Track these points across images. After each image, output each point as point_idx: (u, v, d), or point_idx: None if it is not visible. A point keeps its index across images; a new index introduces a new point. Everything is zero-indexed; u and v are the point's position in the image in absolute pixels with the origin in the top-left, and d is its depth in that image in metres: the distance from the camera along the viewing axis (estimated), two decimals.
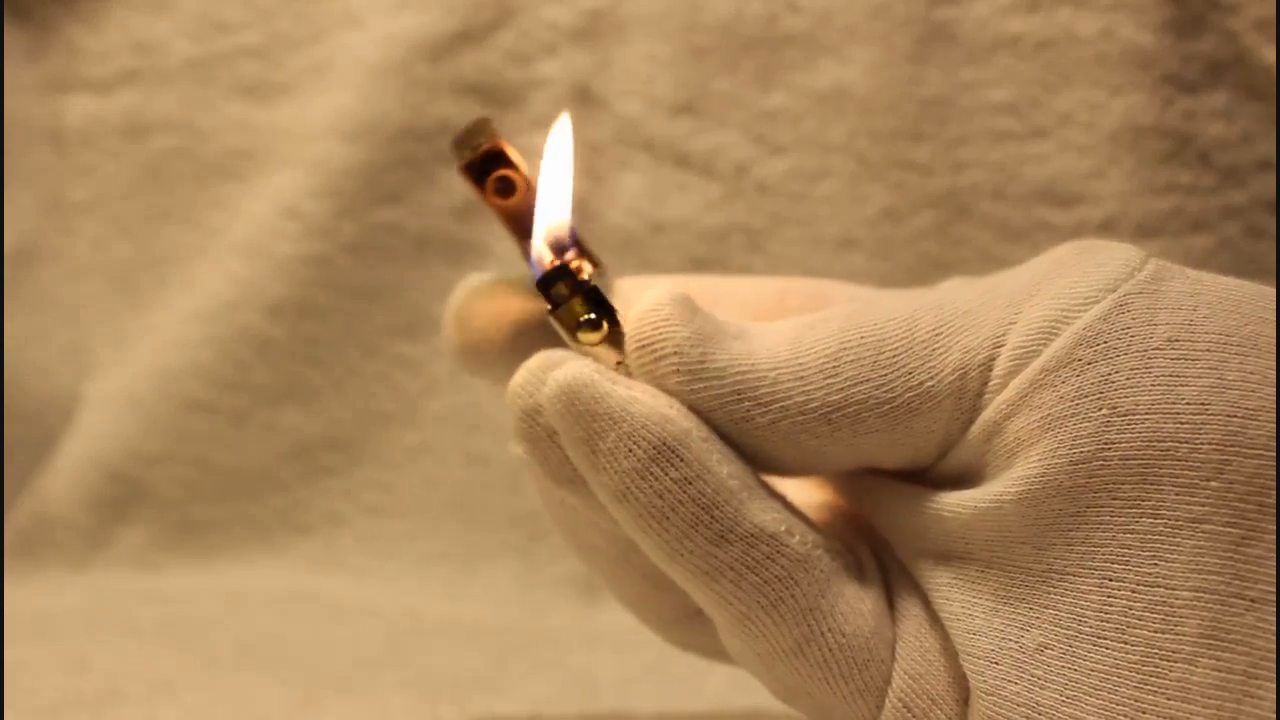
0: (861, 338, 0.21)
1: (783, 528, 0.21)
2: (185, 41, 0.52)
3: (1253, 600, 0.18)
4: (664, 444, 0.20)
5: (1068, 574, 0.19)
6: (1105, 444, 0.19)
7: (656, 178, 0.47)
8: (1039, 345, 0.20)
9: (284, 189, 0.49)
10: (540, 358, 0.22)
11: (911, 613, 0.22)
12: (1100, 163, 0.44)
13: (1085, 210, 0.44)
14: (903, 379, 0.21)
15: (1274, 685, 0.18)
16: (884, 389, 0.21)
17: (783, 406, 0.21)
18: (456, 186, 0.49)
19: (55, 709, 0.34)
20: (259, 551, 0.49)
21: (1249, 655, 0.18)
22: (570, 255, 0.24)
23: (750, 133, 0.46)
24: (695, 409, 0.21)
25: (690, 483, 0.20)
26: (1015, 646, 0.20)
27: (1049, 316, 0.20)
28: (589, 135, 0.48)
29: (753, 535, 0.20)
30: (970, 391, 0.20)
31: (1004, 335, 0.20)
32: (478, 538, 0.48)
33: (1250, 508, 0.18)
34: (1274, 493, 0.18)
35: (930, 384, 0.20)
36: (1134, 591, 0.19)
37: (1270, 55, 0.43)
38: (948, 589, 0.21)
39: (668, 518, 0.20)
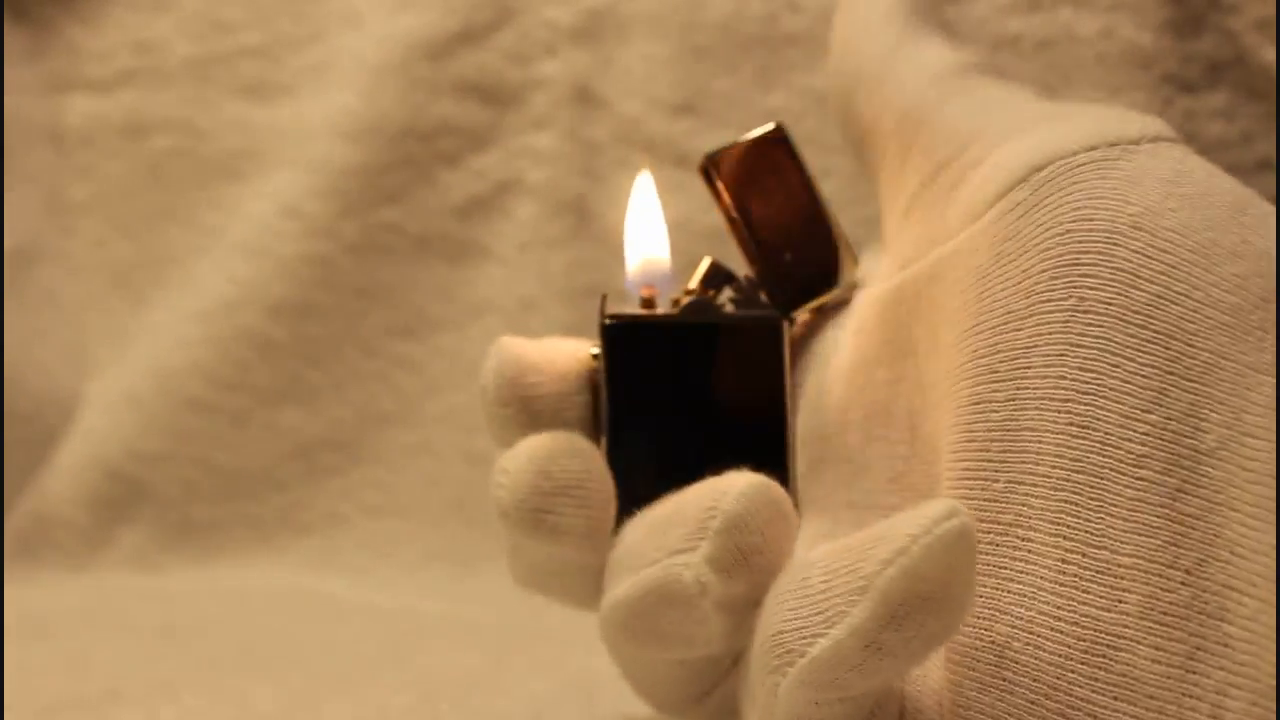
0: None
1: None
2: (185, 41, 0.52)
3: (1187, 571, 0.17)
4: None
5: (1030, 527, 0.19)
6: (1071, 343, 0.19)
7: (657, 178, 0.47)
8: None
9: (284, 189, 0.49)
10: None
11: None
12: None
13: None
14: None
15: (1214, 678, 0.16)
16: None
17: None
18: (456, 186, 0.49)
19: (55, 709, 0.34)
20: (259, 551, 0.49)
21: (1186, 642, 0.17)
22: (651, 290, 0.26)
23: None
24: None
25: None
26: (989, 642, 0.19)
27: (1031, 148, 0.21)
28: (589, 135, 0.48)
29: None
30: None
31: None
32: (478, 538, 0.48)
33: (1184, 452, 0.17)
34: (1204, 436, 0.17)
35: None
36: (1084, 555, 0.18)
37: (1270, 55, 0.43)
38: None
39: None
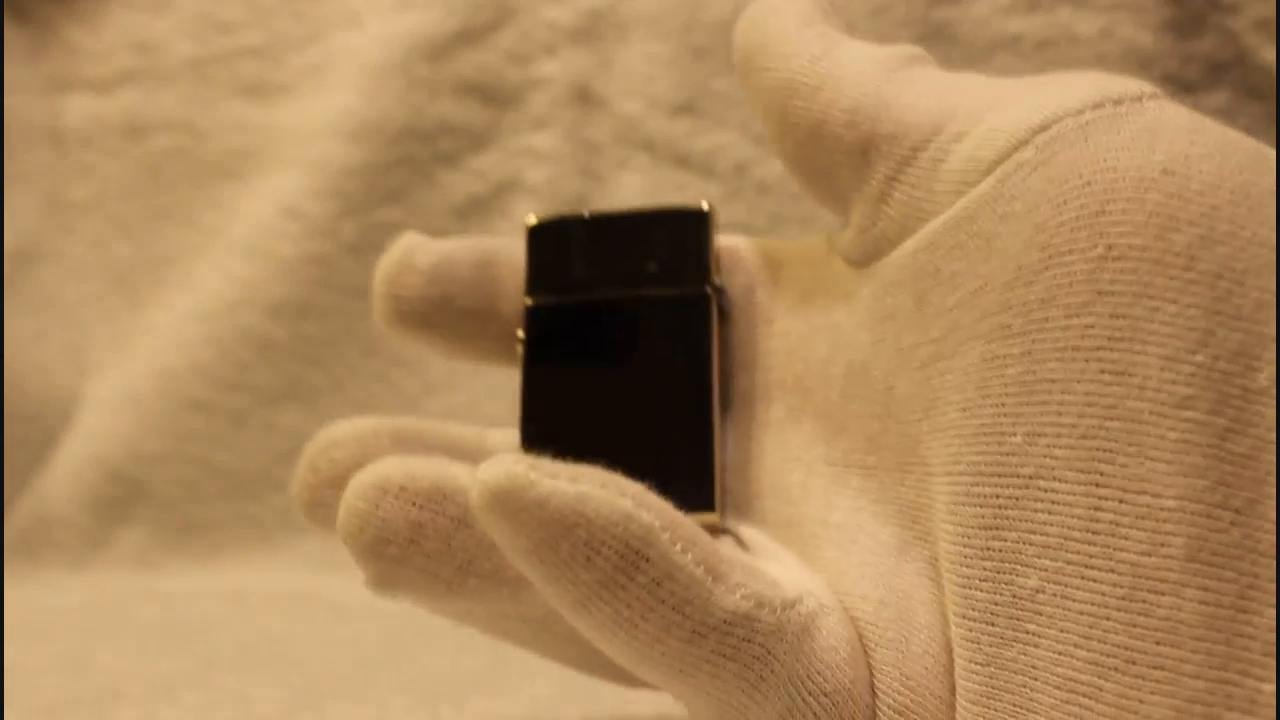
0: None
1: (752, 604, 0.19)
2: (185, 41, 0.52)
3: (1238, 511, 0.16)
4: (628, 549, 0.18)
5: (1055, 478, 0.18)
6: (1099, 290, 0.17)
7: (656, 178, 0.47)
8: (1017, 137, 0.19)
9: (284, 189, 0.49)
10: (379, 472, 0.22)
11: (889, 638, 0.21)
12: None
13: None
14: None
15: (1266, 616, 0.16)
16: None
17: None
18: (456, 186, 0.49)
19: (55, 709, 0.34)
20: (259, 551, 0.49)
21: (1237, 582, 0.16)
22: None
23: (750, 133, 0.46)
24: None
25: (659, 584, 0.18)
26: (1010, 597, 0.18)
27: (1033, 109, 0.19)
28: (589, 135, 0.48)
29: (727, 623, 0.18)
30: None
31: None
32: None
33: (1234, 392, 0.16)
34: (1255, 375, 0.16)
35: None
36: (1121, 501, 0.17)
37: (1270, 55, 0.43)
38: (947, 521, 0.20)
39: (637, 625, 0.18)
